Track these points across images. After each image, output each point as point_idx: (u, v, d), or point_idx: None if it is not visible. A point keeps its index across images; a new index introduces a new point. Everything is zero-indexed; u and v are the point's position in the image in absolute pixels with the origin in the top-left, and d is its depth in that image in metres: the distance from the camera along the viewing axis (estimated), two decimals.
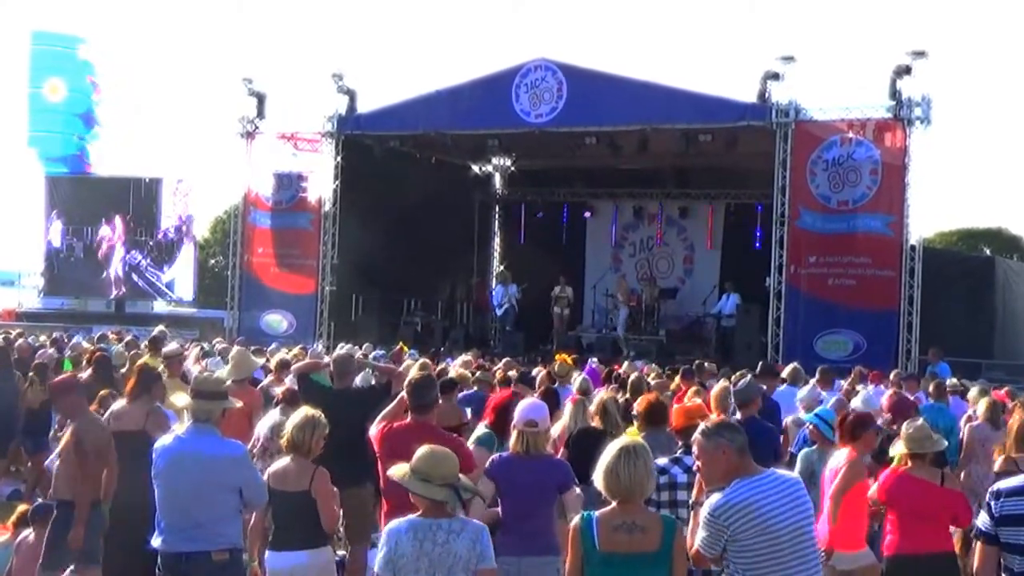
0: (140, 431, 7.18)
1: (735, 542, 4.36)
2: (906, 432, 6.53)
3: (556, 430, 7.89)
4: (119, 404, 7.50)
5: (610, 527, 4.38)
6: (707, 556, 4.47)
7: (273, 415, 8.01)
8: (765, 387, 10.08)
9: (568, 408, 8.13)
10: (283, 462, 6.09)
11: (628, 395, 10.54)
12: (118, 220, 29.30)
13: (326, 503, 5.95)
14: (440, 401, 9.05)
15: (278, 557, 5.98)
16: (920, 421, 6.70)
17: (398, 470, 4.50)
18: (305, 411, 6.20)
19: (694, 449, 4.66)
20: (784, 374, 11.59)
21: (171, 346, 12.12)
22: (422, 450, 4.53)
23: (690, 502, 5.35)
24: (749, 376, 9.11)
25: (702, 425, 4.75)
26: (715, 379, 12.53)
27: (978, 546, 4.75)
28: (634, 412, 7.36)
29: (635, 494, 4.42)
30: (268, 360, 12.71)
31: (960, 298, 20.66)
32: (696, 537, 4.49)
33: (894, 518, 6.47)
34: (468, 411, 9.57)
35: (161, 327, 16.63)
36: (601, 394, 8.66)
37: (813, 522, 4.50)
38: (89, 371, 10.21)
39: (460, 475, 4.54)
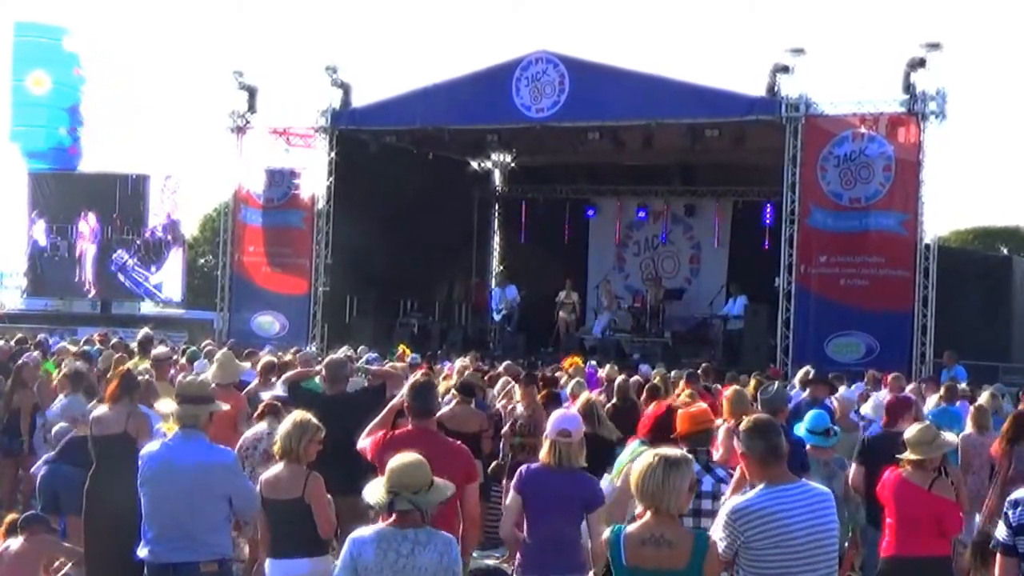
0: (122, 433, 7.21)
1: (748, 549, 4.41)
2: (909, 434, 6.63)
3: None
4: (100, 409, 7.51)
5: (638, 541, 4.34)
6: (720, 557, 4.49)
7: (255, 429, 7.94)
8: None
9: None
10: (275, 469, 6.09)
11: (616, 400, 10.53)
12: (92, 216, 29.20)
13: (321, 509, 5.95)
14: (458, 405, 9.10)
15: (279, 565, 5.98)
16: (927, 423, 6.77)
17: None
18: (295, 416, 6.20)
19: (736, 444, 4.69)
20: (796, 379, 11.62)
21: (160, 349, 12.13)
22: (393, 460, 4.52)
23: (723, 499, 5.39)
24: (777, 383, 9.11)
25: (745, 420, 4.79)
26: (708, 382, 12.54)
27: (997, 558, 4.75)
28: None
29: (671, 506, 4.36)
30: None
31: (977, 299, 20.67)
32: (714, 535, 4.54)
33: (892, 521, 6.64)
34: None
35: (146, 329, 16.65)
36: (585, 396, 8.68)
37: (836, 538, 4.55)
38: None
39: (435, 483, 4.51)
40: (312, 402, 7.44)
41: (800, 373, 12.37)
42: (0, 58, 36.77)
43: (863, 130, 18.88)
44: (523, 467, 5.98)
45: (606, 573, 4.85)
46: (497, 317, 23.63)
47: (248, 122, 23.54)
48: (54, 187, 30.84)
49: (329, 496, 6.10)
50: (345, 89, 22.66)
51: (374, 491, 4.42)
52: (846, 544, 7.42)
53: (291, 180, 23.22)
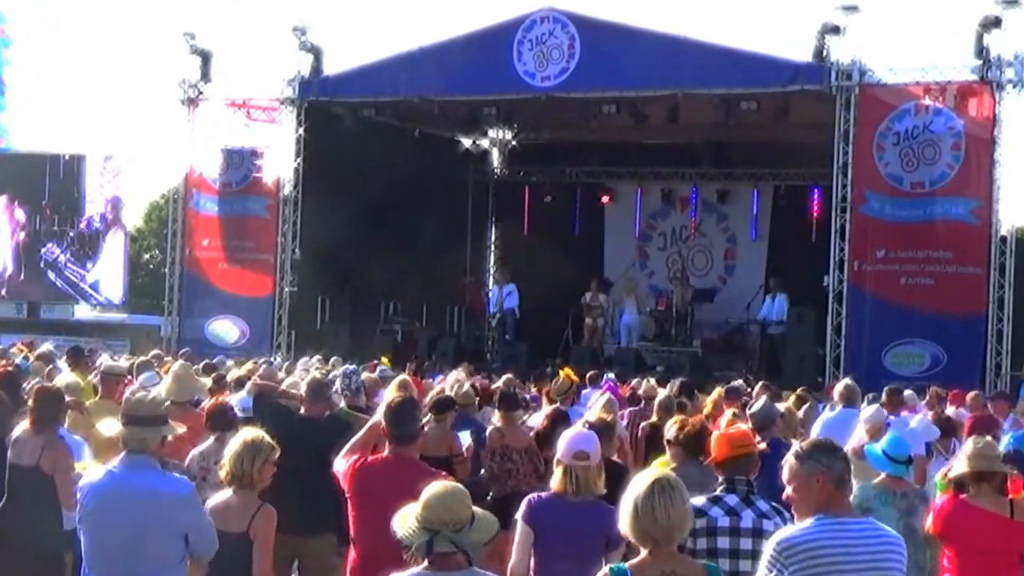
0: (33, 467, 7.27)
1: None
2: (974, 448, 6.64)
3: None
4: (21, 428, 7.56)
5: None
6: None
7: (202, 447, 7.95)
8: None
9: None
10: (224, 496, 6.13)
11: (656, 418, 10.57)
12: (16, 204, 29.08)
13: (264, 548, 5.97)
14: (429, 426, 9.09)
15: None
16: (988, 438, 6.82)
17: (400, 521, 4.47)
18: (246, 435, 6.22)
19: (784, 472, 4.73)
20: (836, 394, 11.59)
21: (112, 363, 12.13)
22: (427, 490, 4.49)
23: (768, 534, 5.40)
24: (764, 398, 9.43)
25: (796, 445, 4.82)
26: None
27: None
28: (668, 438, 7.41)
29: (673, 537, 4.44)
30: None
31: None
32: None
33: (952, 554, 6.64)
34: (466, 436, 9.57)
35: (48, 345, 16.58)
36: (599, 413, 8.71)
37: None
38: None
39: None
40: (281, 420, 7.45)
41: (840, 386, 12.18)
42: None
43: (927, 101, 18.91)
44: (532, 496, 5.98)
45: None
46: (495, 321, 23.65)
47: (201, 93, 23.56)
48: None
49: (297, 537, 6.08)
50: (316, 54, 22.68)
51: (405, 524, 4.39)
52: None
53: (252, 161, 23.24)
